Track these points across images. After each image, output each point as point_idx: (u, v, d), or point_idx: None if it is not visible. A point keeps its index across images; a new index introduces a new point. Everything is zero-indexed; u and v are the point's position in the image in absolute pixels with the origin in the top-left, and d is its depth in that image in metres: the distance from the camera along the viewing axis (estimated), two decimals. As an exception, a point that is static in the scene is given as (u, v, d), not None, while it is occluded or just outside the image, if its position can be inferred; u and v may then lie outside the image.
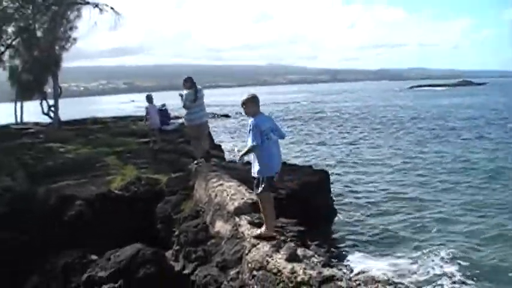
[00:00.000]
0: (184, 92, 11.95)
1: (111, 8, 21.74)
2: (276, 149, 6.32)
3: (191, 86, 11.90)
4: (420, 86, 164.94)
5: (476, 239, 13.57)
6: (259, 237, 6.27)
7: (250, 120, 6.17)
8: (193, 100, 11.80)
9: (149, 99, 16.64)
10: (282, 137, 6.45)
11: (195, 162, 12.37)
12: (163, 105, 16.88)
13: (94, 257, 8.92)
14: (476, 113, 54.10)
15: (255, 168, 6.19)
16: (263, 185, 6.11)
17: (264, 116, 6.34)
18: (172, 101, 21.43)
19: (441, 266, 11.67)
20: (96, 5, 21.96)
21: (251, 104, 6.29)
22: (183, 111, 12.33)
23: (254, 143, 6.04)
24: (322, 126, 46.73)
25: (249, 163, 6.96)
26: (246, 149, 6.19)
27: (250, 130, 6.10)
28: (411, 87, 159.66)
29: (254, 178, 6.28)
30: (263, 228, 6.33)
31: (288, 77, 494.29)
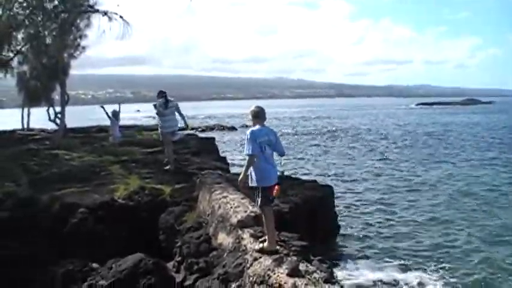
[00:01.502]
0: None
1: (120, 17, 21.78)
2: (271, 162, 6.35)
3: (162, 97, 13.71)
4: (427, 103, 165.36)
5: (475, 260, 13.24)
6: (261, 251, 6.24)
7: (249, 131, 6.26)
8: (164, 108, 13.60)
9: (114, 114, 16.91)
10: (281, 154, 6.51)
11: (166, 161, 14.70)
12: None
13: (95, 265, 8.86)
14: (489, 132, 54.02)
15: (252, 178, 6.28)
16: (260, 197, 6.17)
17: (266, 128, 6.37)
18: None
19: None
20: (105, 13, 22.02)
21: (256, 116, 6.37)
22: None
23: (249, 152, 6.16)
24: (329, 141, 46.63)
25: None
26: (246, 163, 6.28)
27: (246, 140, 6.22)
28: (418, 105, 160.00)
29: (252, 188, 6.35)
30: (266, 243, 6.30)
31: (295, 90, 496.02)
